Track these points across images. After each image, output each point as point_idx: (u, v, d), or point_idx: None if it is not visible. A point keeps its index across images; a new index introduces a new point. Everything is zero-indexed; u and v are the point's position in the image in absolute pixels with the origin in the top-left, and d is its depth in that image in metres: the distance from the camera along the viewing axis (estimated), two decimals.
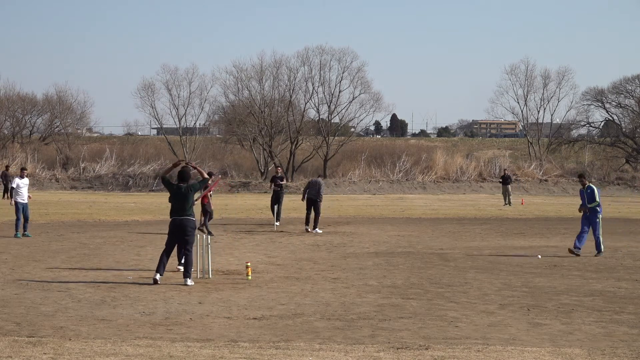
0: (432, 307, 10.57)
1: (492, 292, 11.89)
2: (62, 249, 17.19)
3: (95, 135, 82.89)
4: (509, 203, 37.22)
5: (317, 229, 22.09)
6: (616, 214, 31.07)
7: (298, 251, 17.43)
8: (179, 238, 12.71)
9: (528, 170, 54.90)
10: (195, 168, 13.37)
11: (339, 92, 57.74)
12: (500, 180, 39.91)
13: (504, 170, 43.25)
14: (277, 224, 23.76)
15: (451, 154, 59.20)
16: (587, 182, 17.24)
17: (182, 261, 13.15)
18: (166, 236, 12.96)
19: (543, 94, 63.96)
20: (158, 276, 12.41)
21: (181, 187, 12.80)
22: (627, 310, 10.43)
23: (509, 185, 38.14)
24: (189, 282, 12.38)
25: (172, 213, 12.85)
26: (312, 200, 22.41)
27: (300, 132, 56.53)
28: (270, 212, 24.98)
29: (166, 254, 12.70)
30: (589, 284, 12.84)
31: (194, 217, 12.88)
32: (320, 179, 23.33)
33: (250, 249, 17.57)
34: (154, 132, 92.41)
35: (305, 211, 22.72)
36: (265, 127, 55.55)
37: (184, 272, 12.54)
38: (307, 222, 22.52)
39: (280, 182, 24.92)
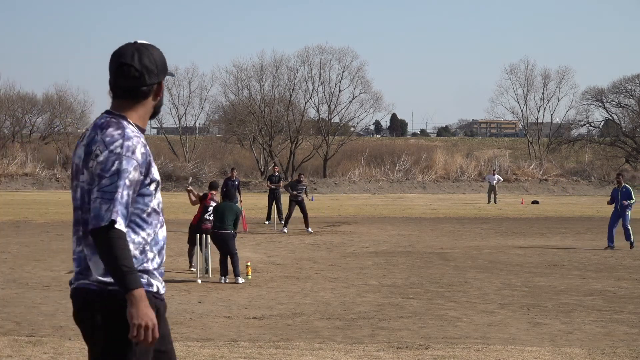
0: (432, 306, 10.57)
1: (492, 291, 11.89)
2: (62, 249, 17.17)
3: None
4: (494, 201, 37.53)
5: (309, 229, 21.75)
6: None
7: (298, 251, 17.42)
8: (221, 248, 12.97)
9: (528, 169, 54.88)
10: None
11: (339, 91, 57.84)
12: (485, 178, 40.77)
13: (494, 170, 43.91)
14: (277, 223, 23.78)
15: (451, 153, 59.16)
16: (622, 182, 19.11)
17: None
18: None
19: (543, 93, 64.08)
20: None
21: (226, 204, 13.22)
22: (627, 310, 10.43)
23: (495, 184, 38.54)
24: (240, 280, 12.65)
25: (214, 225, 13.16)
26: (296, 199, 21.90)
27: (300, 131, 56.52)
28: (266, 211, 25.37)
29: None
30: (589, 283, 12.84)
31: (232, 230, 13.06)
32: (302, 177, 22.79)
33: (250, 249, 17.56)
34: (154, 131, 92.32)
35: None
36: (265, 126, 55.53)
37: (233, 272, 12.78)
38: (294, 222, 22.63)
39: (277, 184, 24.91)
